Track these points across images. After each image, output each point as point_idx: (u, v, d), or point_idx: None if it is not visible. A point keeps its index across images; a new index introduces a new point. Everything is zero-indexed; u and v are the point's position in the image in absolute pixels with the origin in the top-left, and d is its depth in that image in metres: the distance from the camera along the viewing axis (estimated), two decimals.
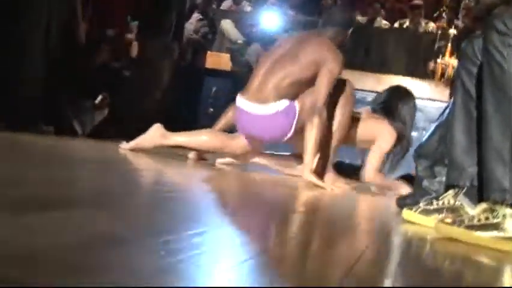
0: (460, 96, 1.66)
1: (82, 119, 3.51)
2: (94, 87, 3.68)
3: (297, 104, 2.56)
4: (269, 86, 2.55)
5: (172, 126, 4.91)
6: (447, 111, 2.00)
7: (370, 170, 2.84)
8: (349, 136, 2.80)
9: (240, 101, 2.61)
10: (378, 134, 2.87)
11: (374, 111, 2.98)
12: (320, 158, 2.69)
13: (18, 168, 1.36)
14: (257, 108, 2.57)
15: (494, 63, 1.42)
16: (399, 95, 3.02)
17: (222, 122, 2.92)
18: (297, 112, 2.56)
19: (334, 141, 2.70)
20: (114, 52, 4.17)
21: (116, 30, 4.29)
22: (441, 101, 4.17)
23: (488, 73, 1.46)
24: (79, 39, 3.71)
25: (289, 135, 2.60)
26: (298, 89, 2.57)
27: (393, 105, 2.93)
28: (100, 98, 3.62)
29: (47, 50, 3.32)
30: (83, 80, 3.67)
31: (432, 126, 2.15)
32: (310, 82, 2.57)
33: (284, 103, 2.54)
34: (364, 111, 2.96)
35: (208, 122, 5.00)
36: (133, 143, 2.55)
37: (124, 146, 2.55)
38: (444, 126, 1.93)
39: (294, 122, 2.57)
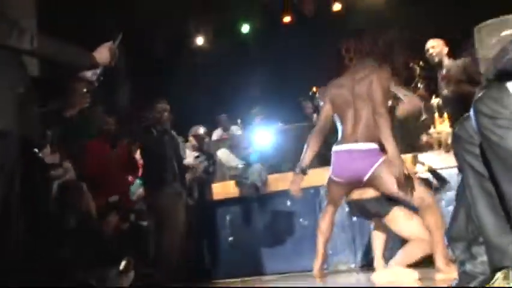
0: (473, 178, 1.68)
1: None
2: (114, 253, 3.69)
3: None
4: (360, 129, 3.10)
5: (198, 264, 4.91)
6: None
7: None
8: None
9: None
10: None
11: None
12: None
13: None
14: (351, 146, 3.11)
15: (494, 146, 1.48)
16: None
17: None
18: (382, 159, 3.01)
19: None
20: (122, 216, 4.26)
21: (120, 194, 4.43)
22: (450, 167, 4.19)
23: (493, 155, 1.50)
24: (90, 213, 3.82)
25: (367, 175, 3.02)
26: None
27: None
28: (124, 262, 3.61)
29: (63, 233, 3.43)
30: (102, 249, 3.70)
31: (454, 205, 2.15)
32: None
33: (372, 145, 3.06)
34: None
35: (231, 251, 5.01)
36: None
37: None
38: (467, 204, 1.93)
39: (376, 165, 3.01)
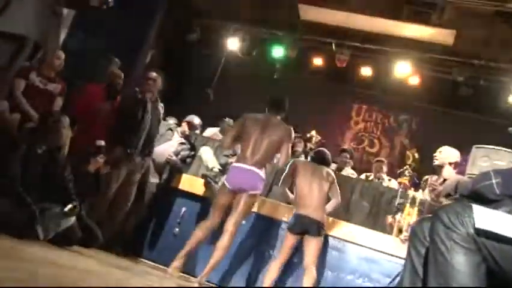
0: (409, 274, 1.78)
1: (46, 224, 3.48)
2: (67, 194, 3.71)
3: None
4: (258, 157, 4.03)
5: (138, 240, 4.95)
6: (397, 279, 2.14)
7: None
8: None
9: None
10: None
11: None
12: None
13: None
14: (249, 167, 4.01)
15: (438, 253, 1.57)
16: None
17: None
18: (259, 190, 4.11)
19: None
20: (106, 161, 4.30)
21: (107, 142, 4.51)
22: (396, 256, 4.33)
23: (433, 259, 1.60)
24: (59, 146, 3.90)
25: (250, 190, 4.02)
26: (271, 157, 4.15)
27: None
28: (70, 206, 3.62)
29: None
30: (60, 187, 3.73)
31: None
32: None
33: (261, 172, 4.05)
34: None
35: (171, 241, 5.05)
36: None
37: None
38: None
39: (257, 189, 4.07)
